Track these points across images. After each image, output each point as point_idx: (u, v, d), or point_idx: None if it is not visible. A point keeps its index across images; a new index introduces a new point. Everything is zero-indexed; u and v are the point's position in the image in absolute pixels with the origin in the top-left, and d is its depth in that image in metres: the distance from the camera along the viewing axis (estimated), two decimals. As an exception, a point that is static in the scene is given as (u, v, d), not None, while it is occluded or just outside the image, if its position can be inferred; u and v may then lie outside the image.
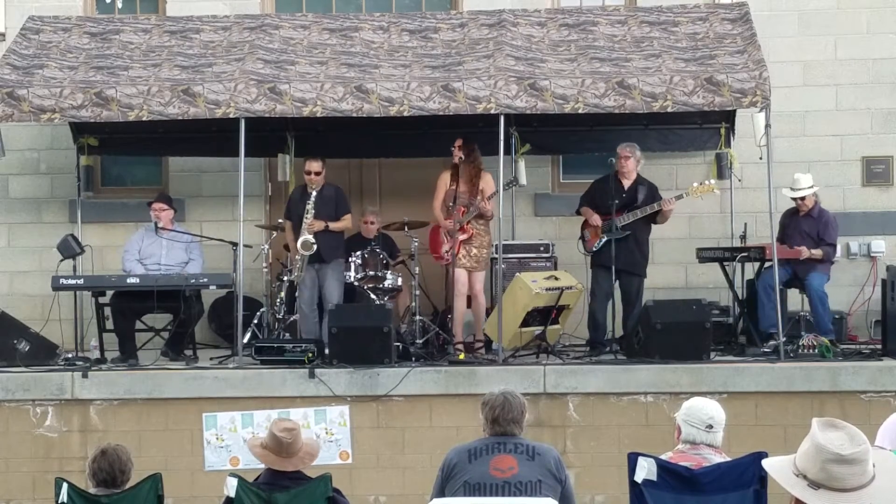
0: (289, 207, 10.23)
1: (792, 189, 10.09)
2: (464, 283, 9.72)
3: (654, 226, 10.18)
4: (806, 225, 10.07)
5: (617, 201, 9.74)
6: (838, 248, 10.70)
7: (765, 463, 2.87)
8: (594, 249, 9.97)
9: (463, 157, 9.69)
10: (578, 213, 10.22)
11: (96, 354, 9.66)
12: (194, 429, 8.99)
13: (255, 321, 10.44)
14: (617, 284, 9.91)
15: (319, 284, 9.92)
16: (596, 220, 9.94)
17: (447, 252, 9.81)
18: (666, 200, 9.86)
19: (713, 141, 11.11)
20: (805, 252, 9.78)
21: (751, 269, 10.09)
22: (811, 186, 10.08)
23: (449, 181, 9.83)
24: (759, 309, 9.76)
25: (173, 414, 9.03)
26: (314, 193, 9.78)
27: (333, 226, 9.91)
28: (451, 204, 9.71)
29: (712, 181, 10.04)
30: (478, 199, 9.70)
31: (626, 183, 9.95)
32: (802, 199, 10.07)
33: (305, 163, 9.98)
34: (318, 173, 9.85)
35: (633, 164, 9.94)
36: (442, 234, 9.91)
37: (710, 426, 5.38)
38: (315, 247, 9.69)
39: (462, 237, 9.71)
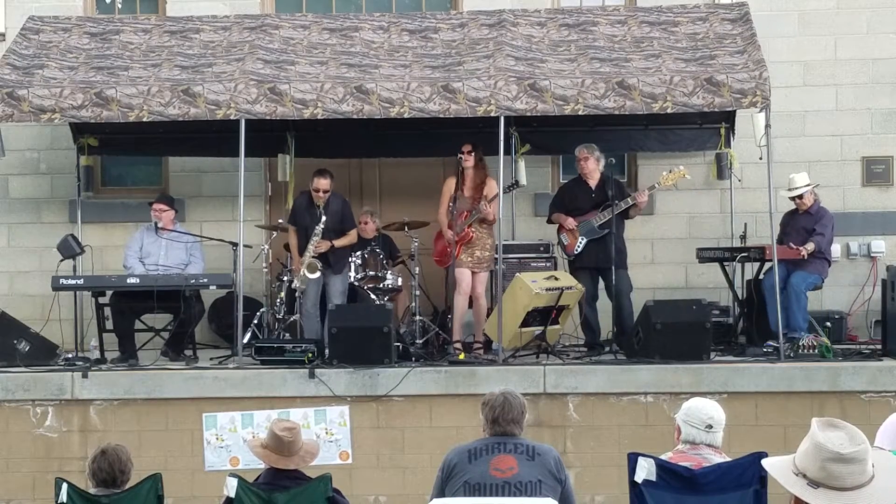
0: (294, 214, 10.22)
1: (788, 189, 10.10)
2: (468, 283, 9.72)
3: (653, 225, 10.20)
4: (803, 222, 10.07)
5: (612, 201, 9.74)
6: (838, 247, 10.71)
7: (765, 462, 2.87)
8: (576, 252, 9.98)
9: (473, 162, 9.71)
10: (550, 221, 10.23)
11: (96, 354, 9.65)
12: (194, 429, 8.99)
13: (255, 321, 10.43)
14: (602, 284, 9.92)
15: (324, 283, 9.95)
16: (571, 223, 9.94)
17: (446, 254, 9.82)
18: (640, 193, 9.86)
19: (713, 141, 11.11)
20: (804, 251, 9.76)
21: (751, 270, 10.09)
22: (807, 185, 10.08)
23: (454, 187, 9.82)
24: (769, 310, 9.77)
25: (173, 414, 9.03)
26: (325, 218, 9.79)
27: (338, 243, 9.95)
28: (451, 205, 9.70)
29: (681, 167, 10.02)
30: (481, 204, 9.70)
31: (593, 183, 9.98)
32: (800, 197, 10.06)
33: (313, 178, 9.94)
34: (326, 191, 9.87)
35: (593, 164, 9.95)
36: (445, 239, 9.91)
37: (710, 426, 5.38)
38: (319, 272, 9.74)
39: (464, 241, 9.72)
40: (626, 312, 9.80)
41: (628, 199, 9.81)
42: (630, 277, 9.99)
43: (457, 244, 9.67)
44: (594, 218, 9.85)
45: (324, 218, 9.81)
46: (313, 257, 9.81)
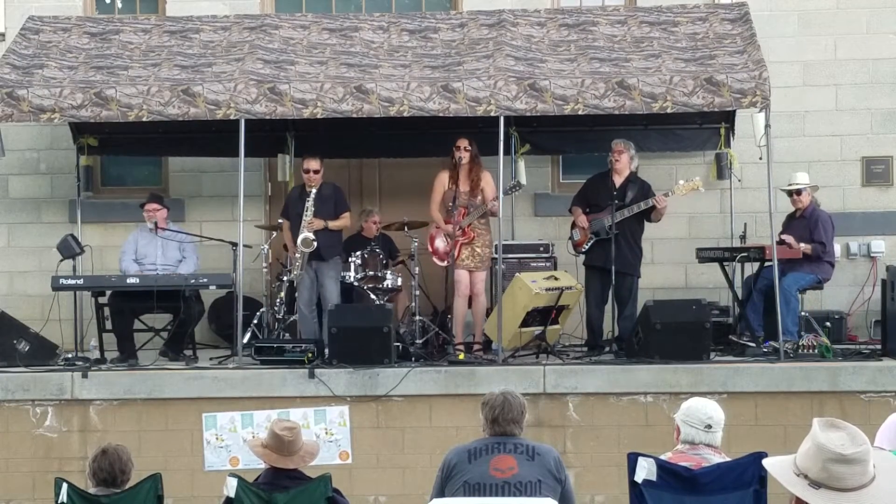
0: (286, 206, 10.22)
1: (788, 185, 10.09)
2: (466, 285, 9.72)
3: (653, 225, 10.17)
4: (800, 226, 10.07)
5: (617, 201, 9.73)
6: (838, 247, 10.70)
7: (765, 462, 2.87)
8: (583, 250, 9.97)
9: (469, 157, 9.70)
10: (570, 211, 10.22)
11: (96, 354, 9.65)
12: (194, 429, 8.98)
13: (255, 321, 10.43)
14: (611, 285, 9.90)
15: (318, 284, 9.92)
16: (583, 221, 9.93)
17: (447, 252, 9.79)
18: (657, 198, 9.82)
19: (713, 141, 11.12)
20: (795, 244, 9.76)
21: (750, 270, 10.09)
22: (807, 184, 10.08)
23: (447, 182, 9.82)
24: (751, 310, 9.80)
25: (173, 414, 9.03)
26: (313, 191, 9.77)
27: (332, 224, 9.90)
28: (451, 205, 9.70)
29: (698, 179, 10.00)
30: (478, 200, 9.72)
31: (619, 180, 9.91)
32: (799, 193, 10.04)
33: (304, 161, 9.96)
34: (316, 171, 9.84)
35: (626, 159, 9.91)
36: (442, 237, 9.87)
37: (709, 426, 5.38)
38: (315, 244, 9.67)
39: (463, 240, 9.72)
40: (626, 318, 9.75)
41: (641, 204, 9.75)
42: (637, 284, 9.95)
43: (457, 244, 9.67)
44: (607, 218, 9.81)
45: (313, 192, 9.76)
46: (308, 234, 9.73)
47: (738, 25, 10.20)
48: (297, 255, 9.81)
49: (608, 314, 9.91)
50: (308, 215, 9.73)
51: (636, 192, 9.86)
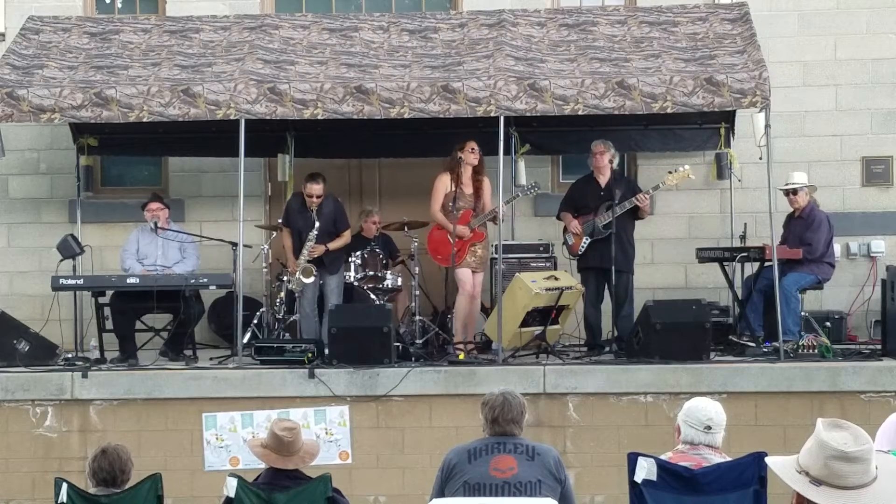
0: (287, 215, 10.22)
1: (785, 184, 10.09)
2: (471, 284, 9.71)
3: (653, 225, 10.18)
4: (798, 227, 10.06)
5: (616, 201, 9.73)
6: (838, 247, 10.69)
7: (768, 460, 2.87)
8: (579, 253, 9.97)
9: (478, 160, 9.71)
10: (559, 218, 10.22)
11: (96, 354, 9.65)
12: (194, 429, 8.98)
13: (255, 321, 10.43)
14: (606, 284, 9.90)
15: (322, 283, 9.96)
16: (575, 225, 9.93)
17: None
18: (642, 195, 9.82)
19: (713, 141, 11.12)
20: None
21: (750, 270, 10.09)
22: (804, 184, 10.07)
23: (449, 183, 9.81)
24: (751, 310, 9.80)
25: (173, 414, 9.03)
26: (318, 224, 9.79)
27: (333, 246, 9.97)
28: (451, 206, 9.68)
29: (686, 167, 9.98)
30: (480, 203, 9.72)
31: (603, 180, 9.93)
32: (795, 193, 10.02)
33: (305, 184, 9.95)
34: (319, 196, 9.87)
35: (607, 159, 9.92)
36: (448, 237, 9.83)
37: (709, 427, 5.37)
38: (315, 276, 9.77)
39: (474, 239, 9.73)
40: (625, 317, 9.76)
41: (625, 204, 9.75)
42: (632, 281, 9.95)
43: (465, 244, 9.66)
44: (598, 218, 9.82)
45: (317, 224, 9.81)
46: (308, 262, 9.82)
47: (738, 25, 10.20)
48: (296, 277, 9.84)
49: (606, 314, 9.91)
50: (310, 244, 9.78)
51: (624, 189, 9.85)
